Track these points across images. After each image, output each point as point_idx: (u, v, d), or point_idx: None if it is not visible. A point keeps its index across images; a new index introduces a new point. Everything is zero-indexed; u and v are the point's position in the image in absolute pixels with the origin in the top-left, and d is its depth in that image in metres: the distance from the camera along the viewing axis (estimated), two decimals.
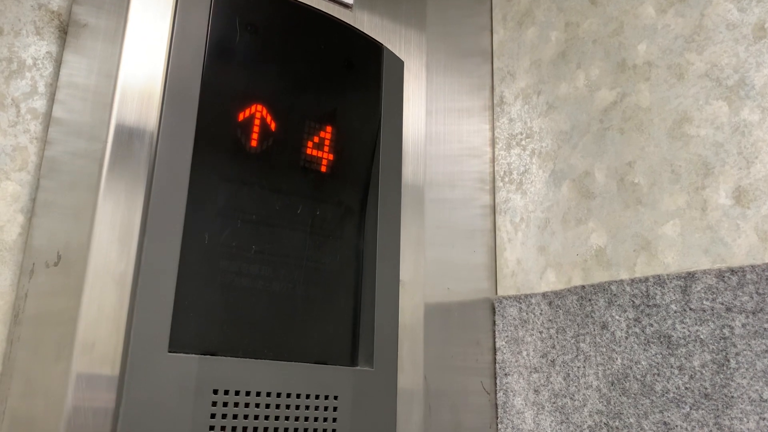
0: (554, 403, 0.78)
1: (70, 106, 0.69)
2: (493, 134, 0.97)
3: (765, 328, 0.61)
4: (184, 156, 0.59)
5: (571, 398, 0.76)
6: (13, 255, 0.68)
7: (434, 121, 0.87)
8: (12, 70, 0.72)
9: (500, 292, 0.90)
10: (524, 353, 0.83)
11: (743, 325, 0.63)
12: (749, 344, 0.62)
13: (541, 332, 0.81)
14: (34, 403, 0.57)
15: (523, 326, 0.84)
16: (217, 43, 0.63)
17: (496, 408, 0.85)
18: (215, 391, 0.56)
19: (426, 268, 0.78)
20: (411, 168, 0.77)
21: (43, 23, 0.74)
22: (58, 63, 0.75)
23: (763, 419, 0.60)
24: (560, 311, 0.80)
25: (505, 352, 0.85)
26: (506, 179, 0.94)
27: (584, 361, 0.75)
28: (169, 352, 0.54)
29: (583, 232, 0.81)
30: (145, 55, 0.60)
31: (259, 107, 0.65)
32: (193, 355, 0.55)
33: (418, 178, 0.78)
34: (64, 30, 0.76)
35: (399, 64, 0.78)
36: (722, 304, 0.64)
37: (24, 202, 0.70)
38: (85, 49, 0.70)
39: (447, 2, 0.95)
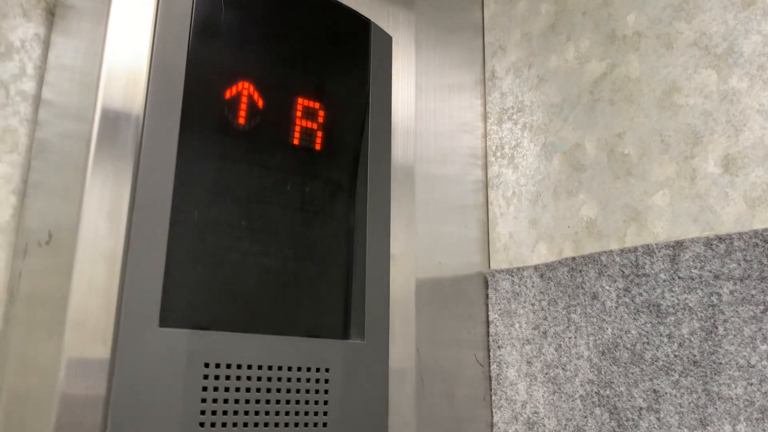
0: (546, 373, 0.78)
1: (59, 88, 0.70)
2: (485, 109, 0.97)
3: (752, 295, 0.62)
4: (171, 134, 0.59)
5: (563, 368, 0.77)
6: (6, 236, 0.69)
7: (424, 96, 0.87)
8: (0, 53, 0.72)
9: (493, 266, 0.90)
10: (517, 325, 0.83)
11: (731, 292, 0.63)
12: (737, 311, 0.62)
13: (533, 304, 0.82)
14: (28, 380, 0.58)
15: (515, 299, 0.84)
16: (202, 21, 0.63)
17: (490, 380, 0.85)
18: (206, 365, 0.57)
19: (417, 242, 0.78)
20: (401, 143, 0.77)
21: (30, 5, 0.74)
22: (47, 45, 0.75)
23: (751, 384, 0.60)
24: (552, 283, 0.80)
25: (498, 324, 0.86)
26: (498, 154, 0.94)
27: (575, 331, 0.76)
28: (160, 326, 0.55)
29: (573, 204, 0.81)
30: (130, 35, 0.60)
31: (246, 84, 0.65)
32: (184, 330, 0.56)
33: (408, 154, 0.78)
34: (51, 12, 0.76)
35: (387, 40, 0.77)
36: (710, 271, 0.65)
37: (16, 184, 0.71)
38: (72, 30, 0.70)
39: None
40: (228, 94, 0.64)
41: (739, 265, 0.63)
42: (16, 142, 0.71)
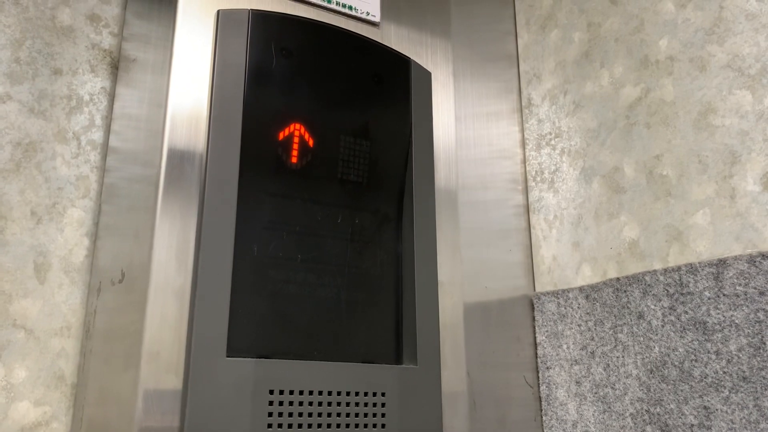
0: (596, 393, 0.80)
1: (125, 136, 0.75)
2: (523, 135, 1.00)
3: None
4: (232, 175, 0.63)
5: (612, 388, 0.78)
6: (81, 275, 0.74)
7: (464, 126, 0.91)
8: (72, 107, 0.78)
9: (538, 289, 0.92)
10: (564, 346, 0.85)
11: None
12: None
13: (579, 325, 0.84)
14: (107, 410, 0.63)
15: (562, 320, 0.86)
16: (255, 69, 0.67)
17: (540, 401, 0.87)
18: (271, 392, 0.60)
19: (463, 268, 0.81)
20: (443, 173, 0.80)
21: (97, 61, 0.81)
22: (112, 96, 0.81)
23: None
24: (597, 304, 0.82)
25: (545, 346, 0.87)
26: (538, 179, 0.96)
27: (623, 351, 0.77)
28: (227, 356, 0.59)
29: (615, 225, 0.83)
30: (191, 84, 0.64)
31: (298, 125, 0.69)
32: (249, 359, 0.60)
33: (451, 183, 0.81)
34: (116, 66, 0.82)
35: (426, 76, 0.81)
36: (755, 288, 0.66)
37: (88, 227, 0.76)
38: (136, 81, 0.75)
39: (471, 11, 0.99)
40: (281, 135, 0.68)
41: None
42: (87, 188, 0.77)
